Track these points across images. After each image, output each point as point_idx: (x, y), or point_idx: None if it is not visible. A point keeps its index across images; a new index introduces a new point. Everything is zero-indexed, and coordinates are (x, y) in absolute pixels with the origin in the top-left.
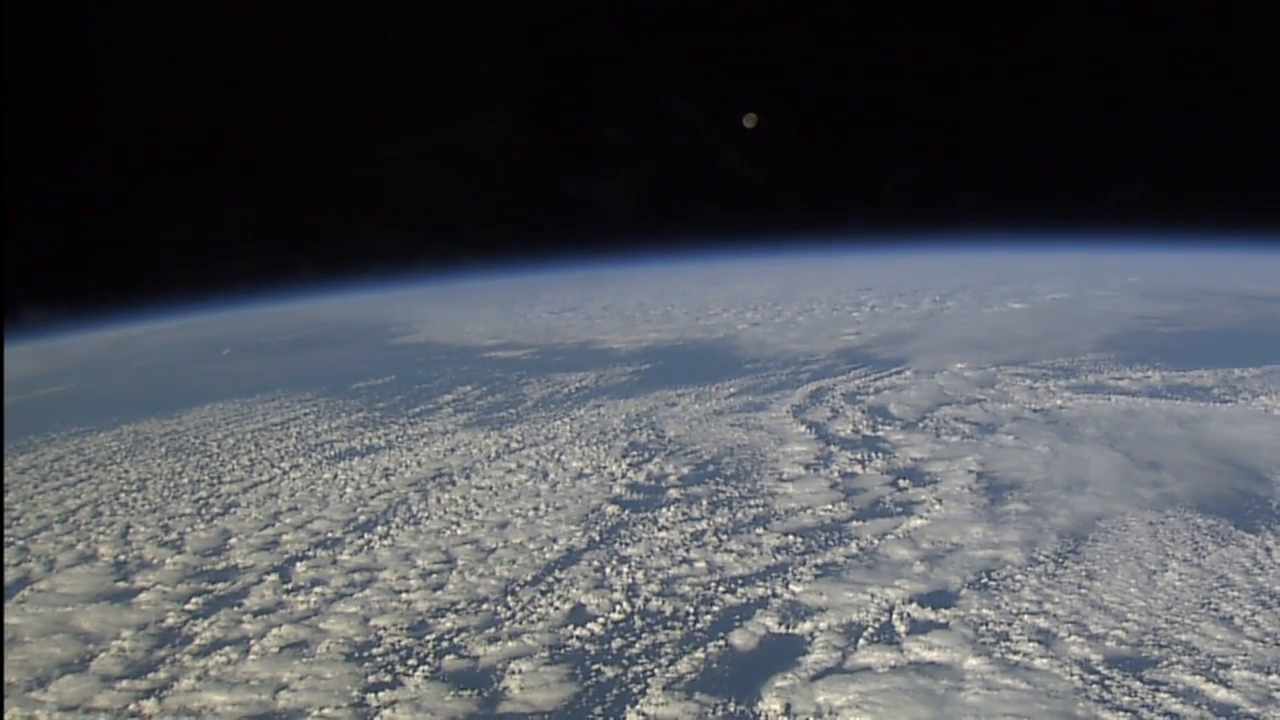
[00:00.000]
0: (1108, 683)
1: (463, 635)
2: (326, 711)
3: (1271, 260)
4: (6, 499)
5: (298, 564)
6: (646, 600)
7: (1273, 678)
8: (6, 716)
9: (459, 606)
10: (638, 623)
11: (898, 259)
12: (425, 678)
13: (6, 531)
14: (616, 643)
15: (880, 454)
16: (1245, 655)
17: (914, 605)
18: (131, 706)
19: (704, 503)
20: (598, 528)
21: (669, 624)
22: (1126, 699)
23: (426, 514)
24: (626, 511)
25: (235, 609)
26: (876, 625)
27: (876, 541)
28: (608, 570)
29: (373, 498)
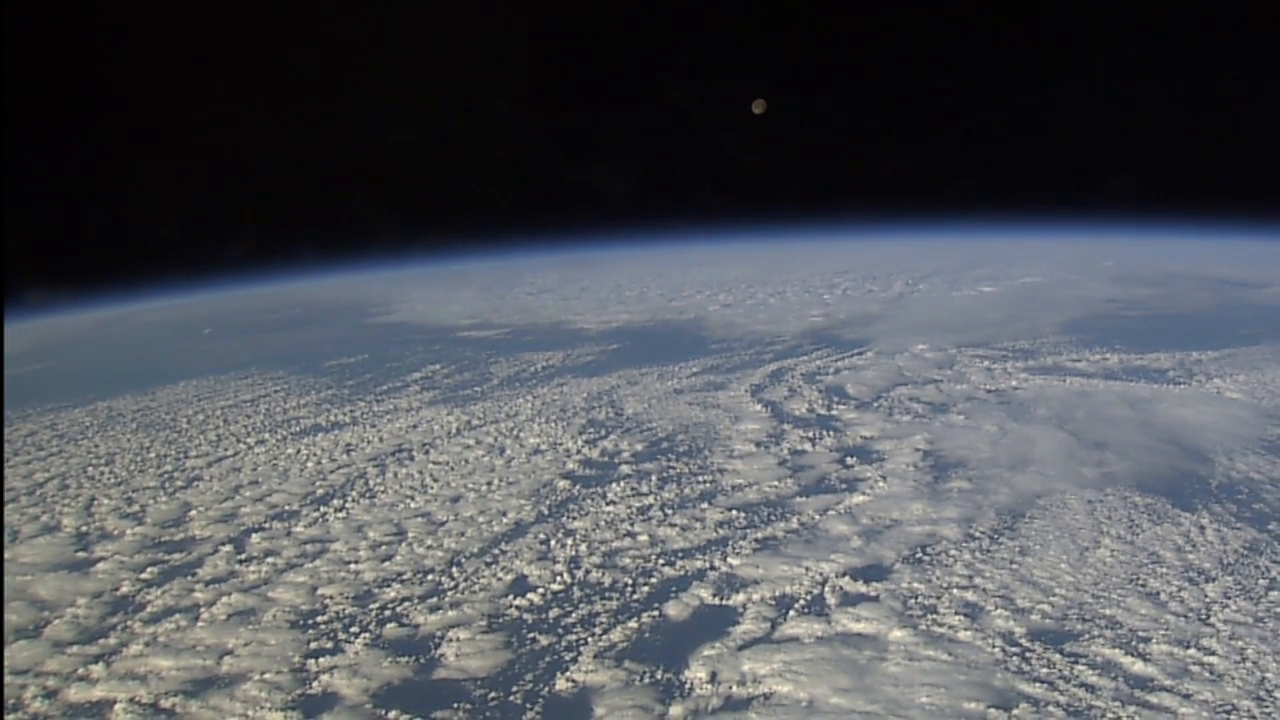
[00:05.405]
0: (1028, 655)
1: (406, 604)
2: (267, 676)
3: (1242, 244)
4: None
5: (253, 535)
6: (587, 572)
7: (1191, 651)
8: None
9: (405, 577)
10: (576, 593)
11: (878, 242)
12: (365, 644)
13: None
14: (554, 612)
15: (831, 432)
16: (1166, 630)
17: (846, 579)
18: (80, 671)
19: (654, 478)
20: (548, 502)
21: (606, 595)
22: (1045, 670)
23: (383, 488)
24: (577, 486)
25: (188, 578)
26: (808, 598)
27: (818, 517)
28: (553, 543)
29: (332, 472)
